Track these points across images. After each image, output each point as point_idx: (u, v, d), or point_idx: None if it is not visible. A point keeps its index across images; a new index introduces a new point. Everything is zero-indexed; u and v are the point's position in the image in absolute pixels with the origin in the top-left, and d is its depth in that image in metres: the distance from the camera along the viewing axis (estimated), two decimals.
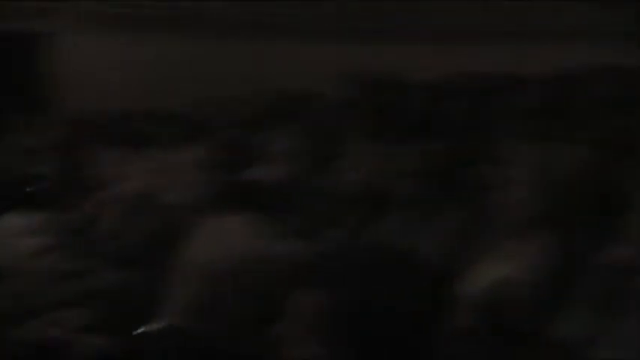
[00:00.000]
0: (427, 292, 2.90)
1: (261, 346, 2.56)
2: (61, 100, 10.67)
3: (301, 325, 2.44)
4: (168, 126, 5.89)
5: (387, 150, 4.40)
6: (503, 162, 3.15)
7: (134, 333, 2.79)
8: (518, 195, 2.94)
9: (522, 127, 4.65)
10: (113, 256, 3.39)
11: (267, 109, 6.88)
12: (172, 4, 11.99)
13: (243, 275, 2.60)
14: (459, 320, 2.91)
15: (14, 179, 5.10)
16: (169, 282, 2.78)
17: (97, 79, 11.02)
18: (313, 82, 9.90)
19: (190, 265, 2.74)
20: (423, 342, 2.77)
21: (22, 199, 4.30)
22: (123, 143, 5.51)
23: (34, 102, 10.28)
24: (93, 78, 11.07)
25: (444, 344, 2.75)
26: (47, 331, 3.04)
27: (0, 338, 3.12)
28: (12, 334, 3.11)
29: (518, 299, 2.80)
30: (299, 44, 11.78)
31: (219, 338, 2.65)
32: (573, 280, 2.66)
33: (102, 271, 3.31)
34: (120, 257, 3.36)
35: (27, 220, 3.58)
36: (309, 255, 2.72)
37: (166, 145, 4.97)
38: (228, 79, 10.42)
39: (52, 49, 11.43)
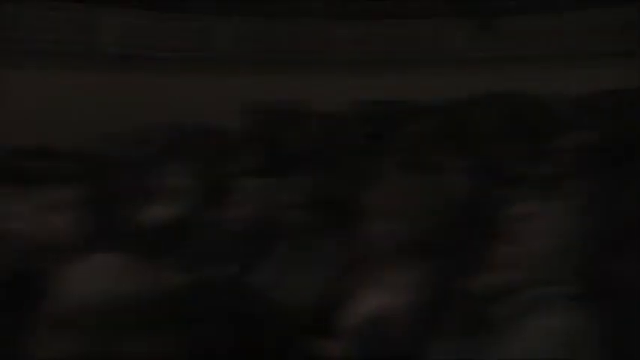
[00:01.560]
0: (287, 331, 2.89)
1: None
2: None
3: None
4: (58, 162, 5.78)
5: (275, 182, 4.40)
6: (384, 191, 3.16)
7: None
8: (394, 224, 2.96)
9: (410, 155, 4.71)
10: None
11: (162, 144, 6.83)
12: (71, 39, 11.86)
13: (106, 316, 2.54)
14: (339, 352, 2.92)
15: None
16: (36, 325, 2.70)
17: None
18: (215, 114, 9.90)
19: (58, 307, 2.66)
20: None
21: None
22: (11, 181, 5.37)
23: None
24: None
25: None
26: None
27: None
28: None
29: (396, 328, 2.82)
30: (201, 77, 11.76)
31: None
32: (446, 306, 2.68)
33: None
34: None
35: None
36: (167, 294, 2.67)
37: (53, 182, 4.87)
38: (128, 113, 10.33)
39: None
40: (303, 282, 3.42)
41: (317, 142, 6.13)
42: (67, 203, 3.25)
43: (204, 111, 10.38)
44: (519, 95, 9.39)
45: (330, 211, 3.75)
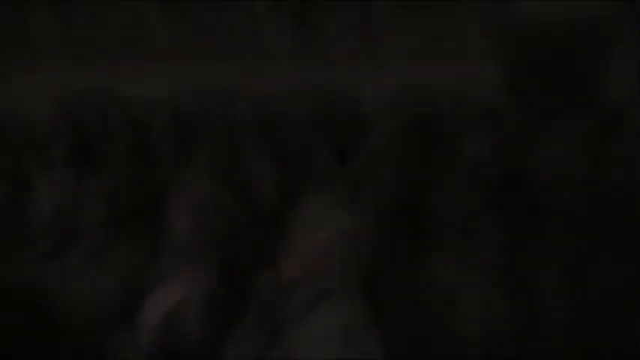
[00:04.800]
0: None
1: None
2: None
3: None
4: None
5: (79, 176, 4.37)
6: (186, 187, 3.21)
7: None
8: (190, 221, 3.02)
9: (215, 152, 4.77)
10: None
11: None
12: None
13: None
14: (136, 349, 2.95)
15: None
16: None
17: None
18: (20, 104, 9.62)
19: None
20: None
21: None
22: None
23: None
24: None
25: None
26: None
27: None
28: None
29: (189, 324, 2.88)
30: (8, 65, 11.38)
31: None
32: (237, 303, 2.76)
33: None
34: None
35: None
36: None
37: None
38: None
39: None
40: (100, 279, 3.42)
41: (126, 135, 6.07)
42: None
43: (9, 101, 10.05)
44: (327, 92, 9.60)
45: (132, 208, 3.75)
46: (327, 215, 2.63)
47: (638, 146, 4.37)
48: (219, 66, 12.46)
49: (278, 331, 2.60)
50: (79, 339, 3.04)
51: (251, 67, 12.69)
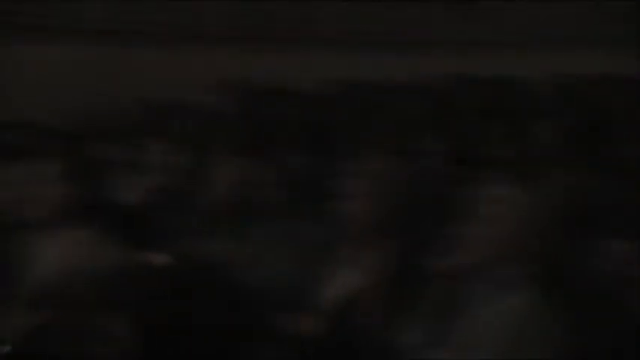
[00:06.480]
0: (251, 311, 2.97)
1: None
2: None
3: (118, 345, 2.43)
4: (34, 137, 5.79)
5: (253, 161, 4.43)
6: (355, 173, 3.22)
7: None
8: (362, 206, 3.02)
9: (386, 138, 4.77)
10: None
11: (137, 120, 6.85)
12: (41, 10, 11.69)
13: (76, 291, 2.58)
14: (312, 329, 2.98)
15: None
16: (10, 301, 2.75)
17: None
18: (188, 90, 9.89)
19: (30, 283, 2.70)
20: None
21: None
22: None
23: None
24: None
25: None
26: None
27: None
28: None
29: (367, 311, 2.89)
30: (174, 51, 11.68)
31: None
32: (414, 287, 2.75)
33: None
34: None
35: None
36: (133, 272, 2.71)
37: (29, 157, 4.89)
38: (99, 88, 10.26)
39: None
40: (278, 260, 3.47)
41: (295, 122, 6.17)
42: (49, 177, 3.31)
43: (180, 87, 10.35)
44: (499, 79, 9.46)
45: (307, 191, 3.80)
46: (508, 200, 2.58)
47: None
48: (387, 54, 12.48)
49: (454, 318, 2.57)
50: (256, 315, 3.11)
51: (414, 55, 12.64)
